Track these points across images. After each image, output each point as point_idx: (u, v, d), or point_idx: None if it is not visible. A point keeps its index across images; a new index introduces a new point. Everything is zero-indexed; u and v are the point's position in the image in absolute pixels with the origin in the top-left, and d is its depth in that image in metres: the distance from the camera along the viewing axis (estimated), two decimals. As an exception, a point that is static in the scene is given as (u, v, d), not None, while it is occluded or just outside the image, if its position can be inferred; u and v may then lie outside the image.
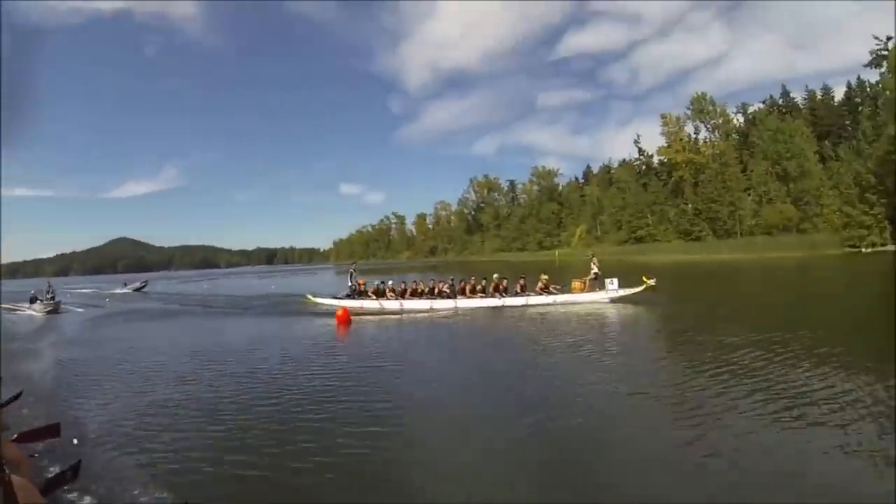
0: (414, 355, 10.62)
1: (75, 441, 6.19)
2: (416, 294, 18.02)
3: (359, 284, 19.35)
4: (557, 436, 5.49)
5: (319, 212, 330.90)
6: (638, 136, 73.01)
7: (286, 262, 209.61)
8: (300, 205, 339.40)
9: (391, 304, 17.82)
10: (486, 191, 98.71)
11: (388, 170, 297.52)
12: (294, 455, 5.44)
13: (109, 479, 5.36)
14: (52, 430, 6.01)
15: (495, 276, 17.78)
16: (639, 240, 61.83)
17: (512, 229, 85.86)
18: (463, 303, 17.06)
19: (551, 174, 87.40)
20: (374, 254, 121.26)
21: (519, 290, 17.21)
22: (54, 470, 5.13)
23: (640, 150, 71.14)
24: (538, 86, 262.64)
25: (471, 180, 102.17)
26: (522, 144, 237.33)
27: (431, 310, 16.95)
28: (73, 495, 4.85)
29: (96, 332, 18.17)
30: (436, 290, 17.63)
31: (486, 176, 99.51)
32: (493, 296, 17.11)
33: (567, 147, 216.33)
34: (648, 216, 62.65)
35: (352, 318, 15.75)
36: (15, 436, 5.48)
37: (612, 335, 11.75)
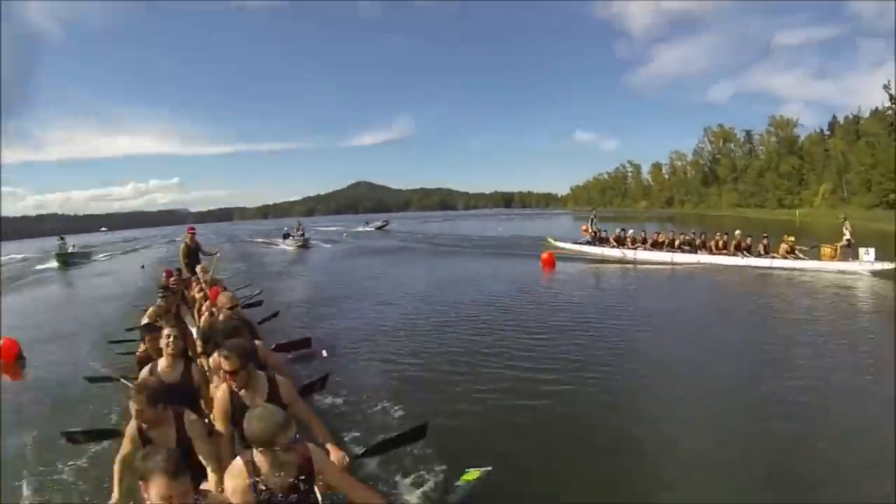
0: (654, 310, 10.18)
1: (324, 353, 6.70)
2: (656, 245, 17.93)
3: (598, 231, 20.35)
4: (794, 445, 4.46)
5: (555, 157, 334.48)
6: (889, 80, 56.69)
7: (523, 206, 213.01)
8: (535, 150, 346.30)
9: (631, 253, 18.09)
10: (721, 141, 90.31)
11: (620, 117, 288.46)
12: (518, 393, 5.67)
13: (352, 390, 5.84)
14: (304, 343, 6.81)
15: (738, 232, 16.72)
16: (891, 205, 50.91)
17: (749, 183, 77.47)
18: (705, 258, 16.43)
19: (790, 124, 75.74)
20: (610, 202, 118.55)
21: (762, 251, 16.01)
22: (306, 376, 5.64)
23: (893, 98, 56.38)
24: (773, 24, 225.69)
25: (705, 130, 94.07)
26: (759, 90, 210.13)
27: (672, 262, 16.71)
28: (324, 401, 5.41)
29: (340, 264, 20.51)
30: (676, 243, 17.46)
31: (720, 125, 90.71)
32: (734, 254, 16.21)
33: (809, 92, 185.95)
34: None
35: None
36: (273, 346, 6.15)
37: (878, 317, 9.44)
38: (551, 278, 15.09)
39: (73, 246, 34.90)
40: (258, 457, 2.25)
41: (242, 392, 3.19)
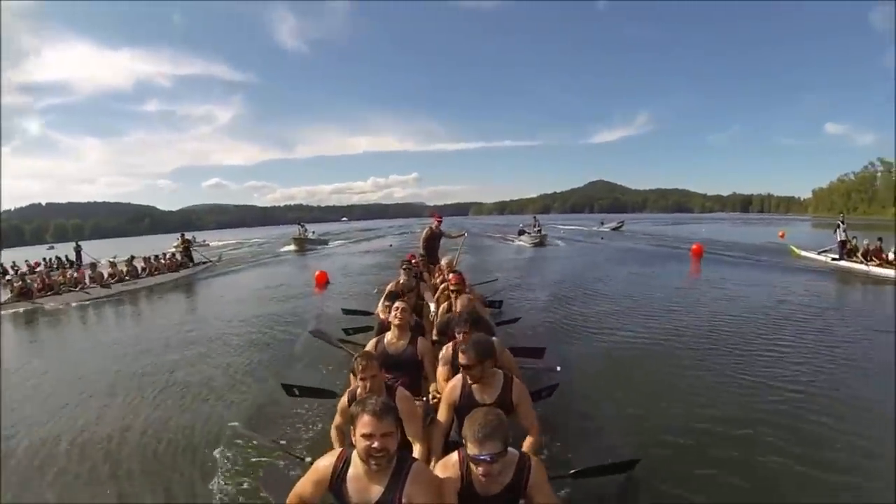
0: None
1: (558, 368, 6.26)
2: None
3: (849, 241, 18.63)
4: None
5: (801, 156, 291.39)
6: None
7: (761, 210, 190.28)
8: (779, 147, 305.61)
9: (882, 271, 16.29)
10: None
11: (879, 105, 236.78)
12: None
13: (575, 409, 5.66)
14: (538, 353, 6.49)
15: None
16: None
17: None
18: None
19: None
20: (854, 207, 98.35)
21: None
22: (533, 385, 5.21)
23: None
24: None
25: None
26: None
27: None
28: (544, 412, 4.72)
29: (581, 268, 19.49)
30: None
31: None
32: None
33: None
34: None
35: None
36: (507, 349, 5.74)
37: None
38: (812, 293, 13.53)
39: (313, 233, 40.46)
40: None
41: (475, 386, 3.26)
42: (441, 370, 3.98)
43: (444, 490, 2.29)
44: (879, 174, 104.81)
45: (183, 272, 22.56)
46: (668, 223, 76.69)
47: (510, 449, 2.33)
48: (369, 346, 4.36)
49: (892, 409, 5.48)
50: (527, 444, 3.19)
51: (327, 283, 17.32)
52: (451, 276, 6.62)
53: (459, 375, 3.38)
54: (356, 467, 2.28)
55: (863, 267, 17.37)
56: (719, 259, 22.20)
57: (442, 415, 3.35)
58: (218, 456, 4.81)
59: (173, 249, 23.93)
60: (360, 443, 2.18)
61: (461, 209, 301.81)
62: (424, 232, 11.11)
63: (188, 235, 28.15)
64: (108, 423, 5.94)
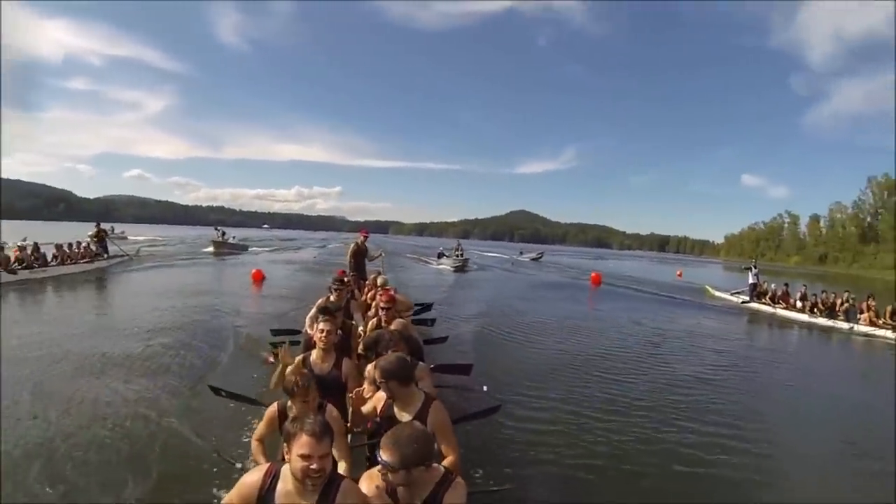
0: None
1: (485, 388, 6.29)
2: (817, 307, 16.64)
3: (758, 285, 19.87)
4: None
5: (717, 202, 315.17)
6: None
7: (677, 251, 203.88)
8: (697, 194, 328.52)
9: (792, 314, 17.39)
10: (885, 193, 79.49)
11: (793, 161, 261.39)
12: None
13: (503, 431, 5.70)
14: (465, 370, 6.51)
15: None
16: None
17: None
18: (862, 328, 14.84)
19: None
20: (762, 254, 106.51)
21: None
22: (462, 408, 5.57)
23: None
24: None
25: (869, 179, 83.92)
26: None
27: (834, 329, 15.36)
28: (474, 431, 5.23)
29: (504, 295, 19.80)
30: (838, 307, 16.13)
31: (886, 175, 79.96)
32: None
33: None
34: None
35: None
36: (433, 366, 5.84)
37: None
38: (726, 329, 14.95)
39: (234, 237, 39.16)
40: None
41: (393, 403, 3.32)
42: (368, 388, 3.89)
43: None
44: (786, 225, 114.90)
45: (97, 264, 21.02)
46: (590, 257, 79.32)
47: (436, 465, 2.39)
48: (296, 362, 4.20)
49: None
50: (445, 463, 3.11)
51: (263, 279, 19.10)
52: (381, 293, 6.43)
53: (381, 393, 3.41)
54: (285, 483, 2.21)
55: (770, 309, 18.55)
56: (633, 295, 23.60)
57: (361, 418, 3.52)
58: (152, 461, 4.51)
59: (88, 239, 22.03)
60: (297, 462, 2.11)
61: (381, 227, 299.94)
62: (351, 247, 11.11)
63: (105, 226, 25.86)
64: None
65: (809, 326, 16.18)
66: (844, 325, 15.32)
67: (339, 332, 4.67)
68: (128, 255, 25.20)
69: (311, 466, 2.09)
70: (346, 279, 7.84)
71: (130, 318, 11.02)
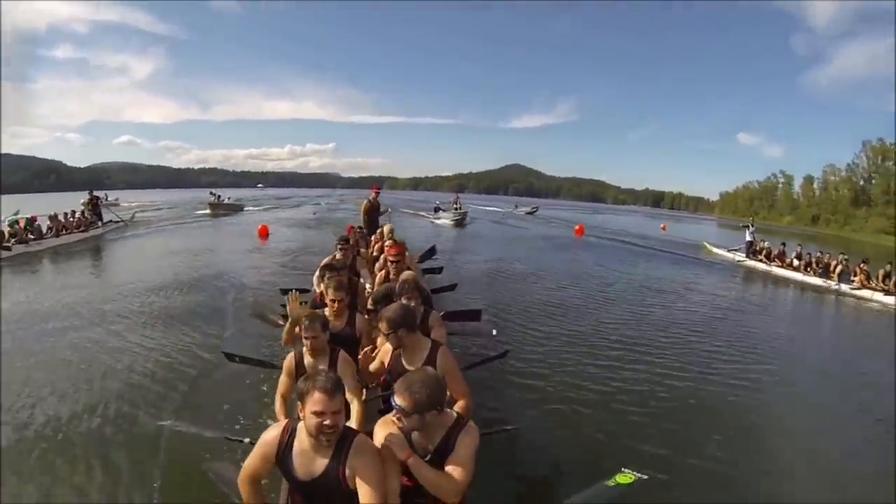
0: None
1: (494, 332, 6.64)
2: (811, 267, 16.83)
3: (755, 243, 20.15)
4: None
5: (713, 159, 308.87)
6: None
7: (672, 207, 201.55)
8: (693, 150, 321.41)
9: (787, 273, 17.62)
10: (879, 158, 78.39)
11: (790, 121, 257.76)
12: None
13: (512, 376, 6.04)
14: (474, 316, 6.55)
15: (889, 265, 14.60)
16: None
17: None
18: (854, 291, 14.94)
19: None
20: (755, 212, 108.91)
21: None
22: (472, 353, 5.95)
23: None
24: None
25: (864, 143, 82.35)
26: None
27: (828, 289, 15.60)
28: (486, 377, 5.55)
29: (506, 247, 20.80)
30: (833, 268, 16.19)
31: (880, 140, 78.73)
32: (888, 291, 14.12)
33: None
34: None
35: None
36: (443, 313, 5.96)
37: None
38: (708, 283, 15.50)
39: (228, 198, 39.21)
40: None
41: (401, 353, 3.34)
42: (381, 341, 3.89)
43: (385, 459, 2.31)
44: (780, 185, 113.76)
45: (92, 232, 20.54)
46: (587, 212, 78.60)
47: (448, 410, 2.47)
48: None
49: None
50: (457, 408, 3.21)
51: (268, 234, 20.70)
52: (389, 246, 6.42)
53: (388, 344, 3.44)
54: (301, 440, 2.27)
55: (765, 267, 18.86)
56: (628, 249, 24.40)
57: (374, 372, 3.58)
58: (159, 456, 4.35)
59: (81, 207, 21.66)
60: (311, 419, 2.16)
61: (376, 182, 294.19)
62: (364, 204, 11.19)
63: (98, 194, 25.26)
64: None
65: (803, 285, 16.52)
66: (837, 286, 15.55)
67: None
68: (123, 220, 24.63)
69: (325, 423, 2.13)
70: (350, 238, 7.78)
71: (137, 284, 11.05)
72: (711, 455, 4.67)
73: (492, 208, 55.56)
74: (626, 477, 2.88)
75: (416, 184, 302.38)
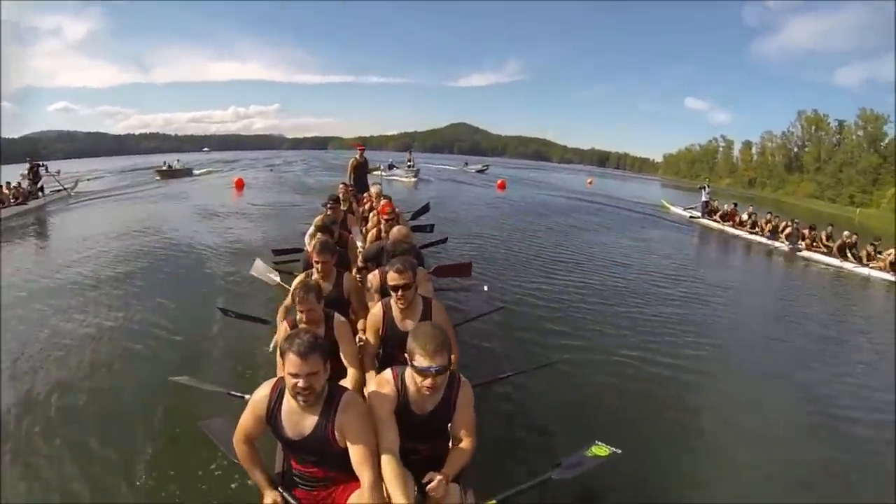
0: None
1: (485, 288, 6.66)
2: (761, 227, 17.79)
3: (710, 203, 21.31)
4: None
5: (661, 122, 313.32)
6: None
7: (617, 167, 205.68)
8: (641, 112, 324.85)
9: (738, 231, 18.67)
10: (813, 127, 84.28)
11: (739, 88, 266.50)
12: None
13: (503, 331, 6.18)
14: (465, 269, 6.57)
15: (845, 233, 15.07)
16: None
17: (829, 176, 72.84)
18: (814, 255, 15.35)
19: (880, 120, 70.26)
20: (696, 174, 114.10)
21: (866, 258, 14.08)
22: (464, 308, 6.13)
23: None
24: None
25: (799, 113, 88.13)
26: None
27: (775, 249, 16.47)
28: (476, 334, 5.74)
29: (455, 200, 21.82)
30: (780, 230, 17.10)
31: (815, 111, 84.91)
32: (831, 253, 14.85)
33: None
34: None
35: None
36: (433, 268, 6.06)
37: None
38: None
39: (177, 161, 38.08)
40: (409, 374, 2.32)
41: (396, 311, 3.28)
42: (371, 295, 4.03)
43: (375, 413, 2.30)
44: (721, 149, 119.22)
45: (32, 203, 18.65)
46: (532, 169, 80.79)
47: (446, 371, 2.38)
48: (297, 280, 4.24)
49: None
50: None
51: (244, 186, 22.77)
52: (382, 204, 6.58)
53: (380, 304, 3.38)
54: (289, 400, 2.26)
55: (718, 225, 19.95)
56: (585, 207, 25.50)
57: (369, 343, 3.37)
58: (160, 413, 4.33)
59: (19, 179, 19.64)
60: (288, 380, 2.18)
61: (320, 143, 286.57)
62: (350, 162, 11.29)
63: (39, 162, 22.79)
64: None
65: (752, 244, 17.57)
66: (784, 247, 16.50)
67: (337, 246, 4.63)
68: (65, 188, 22.62)
69: (298, 384, 2.12)
70: (340, 196, 7.68)
71: (104, 253, 10.50)
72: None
73: (442, 166, 54.94)
74: (601, 449, 2.88)
75: (362, 143, 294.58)
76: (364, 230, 7.00)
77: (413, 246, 5.19)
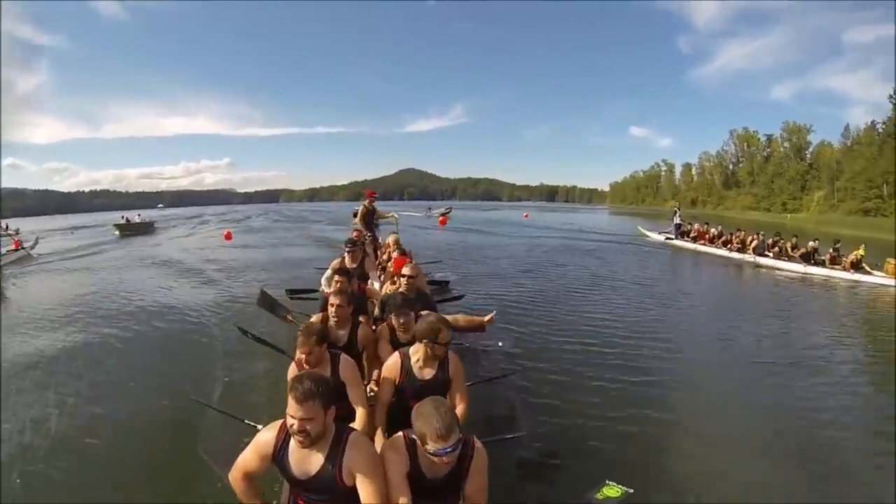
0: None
1: (500, 344, 6.61)
2: (730, 243, 18.99)
3: (682, 225, 22.95)
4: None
5: (607, 153, 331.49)
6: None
7: (566, 201, 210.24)
8: (588, 145, 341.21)
9: (709, 249, 20.04)
10: (745, 144, 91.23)
11: (678, 114, 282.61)
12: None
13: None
14: (479, 326, 6.12)
15: (795, 238, 16.59)
16: (866, 212, 51.87)
17: (762, 187, 79.80)
18: (781, 264, 16.42)
19: (803, 131, 77.43)
20: (643, 199, 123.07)
21: (828, 262, 15.23)
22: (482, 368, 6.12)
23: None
24: (843, 20, 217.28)
25: (731, 132, 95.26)
26: (824, 91, 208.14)
27: (747, 263, 17.37)
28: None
29: (459, 249, 22.22)
30: (748, 244, 18.31)
31: (745, 128, 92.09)
32: (794, 260, 16.02)
33: (878, 95, 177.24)
34: (883, 186, 50.74)
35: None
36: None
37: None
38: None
39: (139, 215, 39.66)
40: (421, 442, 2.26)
41: (415, 362, 3.29)
42: (382, 346, 4.03)
43: (388, 477, 2.31)
44: (663, 173, 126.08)
45: None
46: (486, 209, 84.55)
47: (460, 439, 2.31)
48: (313, 319, 4.21)
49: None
50: (457, 411, 3.18)
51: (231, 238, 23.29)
52: (395, 257, 6.92)
53: (398, 353, 3.37)
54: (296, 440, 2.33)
55: (691, 245, 21.46)
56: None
57: (384, 392, 3.33)
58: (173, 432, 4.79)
59: None
60: (288, 420, 2.26)
61: (272, 196, 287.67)
62: (360, 210, 11.03)
63: None
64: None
65: (723, 259, 18.66)
66: (752, 259, 17.61)
67: (354, 293, 4.70)
68: (24, 248, 21.39)
69: (293, 426, 2.21)
70: (357, 240, 7.63)
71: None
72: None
73: (407, 213, 54.63)
74: (613, 490, 2.80)
75: (312, 195, 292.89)
76: (381, 279, 7.02)
77: (426, 296, 5.45)
